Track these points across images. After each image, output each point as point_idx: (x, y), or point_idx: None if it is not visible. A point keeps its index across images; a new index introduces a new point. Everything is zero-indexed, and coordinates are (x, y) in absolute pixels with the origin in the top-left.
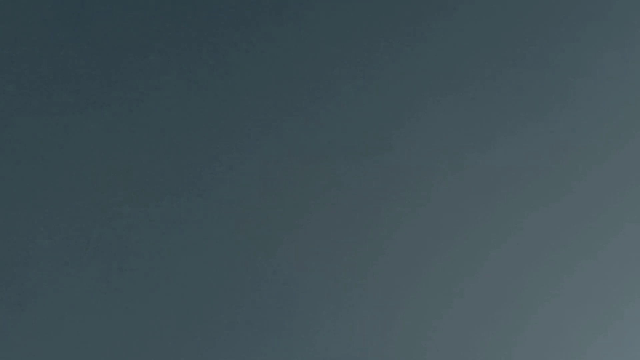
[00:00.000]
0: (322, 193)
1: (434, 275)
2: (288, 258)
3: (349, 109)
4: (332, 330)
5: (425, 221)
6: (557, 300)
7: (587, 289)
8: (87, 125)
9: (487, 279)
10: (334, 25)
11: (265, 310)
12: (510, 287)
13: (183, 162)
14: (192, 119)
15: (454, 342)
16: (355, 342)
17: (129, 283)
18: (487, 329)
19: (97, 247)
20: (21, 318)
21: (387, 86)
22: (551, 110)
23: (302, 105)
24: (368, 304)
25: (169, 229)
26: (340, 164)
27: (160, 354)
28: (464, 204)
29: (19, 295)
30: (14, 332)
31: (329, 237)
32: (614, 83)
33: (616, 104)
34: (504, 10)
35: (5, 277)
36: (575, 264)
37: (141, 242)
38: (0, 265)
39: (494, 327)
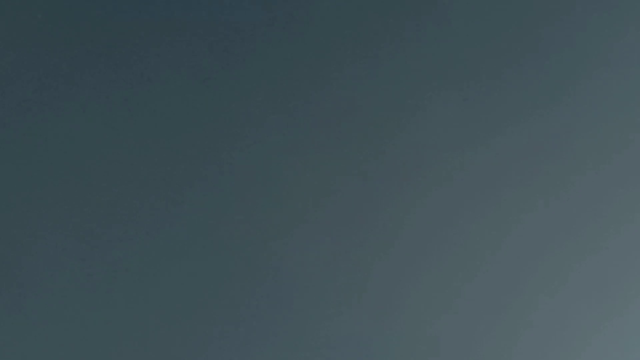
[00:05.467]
0: (321, 191)
1: (434, 273)
2: (288, 256)
3: (348, 105)
4: (332, 329)
5: (426, 218)
6: (559, 297)
7: (589, 286)
8: (87, 124)
9: (488, 276)
10: (335, 21)
11: (265, 309)
12: (512, 284)
13: (183, 160)
14: (192, 116)
15: (455, 341)
16: (356, 341)
17: (129, 282)
18: (488, 327)
19: (97, 247)
20: (21, 318)
21: (387, 83)
22: (553, 106)
23: (303, 102)
24: (368, 302)
25: (169, 228)
26: (340, 161)
27: (161, 353)
28: (465, 200)
29: (19, 295)
30: (14, 332)
31: (328, 234)
32: (616, 79)
33: (618, 99)
34: (505, 6)
35: (5, 277)
36: (578, 261)
37: (141, 241)
38: (0, 265)
39: (495, 326)
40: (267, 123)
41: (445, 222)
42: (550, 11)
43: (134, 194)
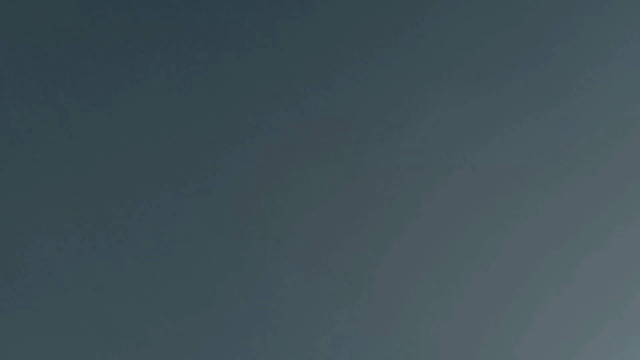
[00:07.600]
0: (322, 188)
1: (434, 273)
2: (288, 255)
3: (350, 101)
4: (331, 329)
5: (428, 215)
6: (559, 297)
7: (589, 287)
8: (86, 123)
9: (488, 276)
10: (334, 20)
11: (265, 308)
12: (512, 284)
13: (183, 160)
14: (191, 115)
15: (455, 342)
16: (356, 342)
17: (129, 282)
18: (488, 327)
19: (97, 247)
20: (21, 318)
21: (389, 79)
22: (553, 105)
23: (304, 98)
24: (368, 303)
25: (169, 228)
26: (340, 160)
27: (161, 353)
28: (465, 199)
29: (19, 295)
30: (14, 332)
31: (329, 233)
32: (616, 79)
33: (620, 95)
34: (506, 6)
35: (5, 277)
36: (578, 261)
37: (141, 240)
38: (0, 265)
39: (494, 326)
40: (267, 123)
41: (445, 222)
42: (550, 10)
43: (133, 192)
